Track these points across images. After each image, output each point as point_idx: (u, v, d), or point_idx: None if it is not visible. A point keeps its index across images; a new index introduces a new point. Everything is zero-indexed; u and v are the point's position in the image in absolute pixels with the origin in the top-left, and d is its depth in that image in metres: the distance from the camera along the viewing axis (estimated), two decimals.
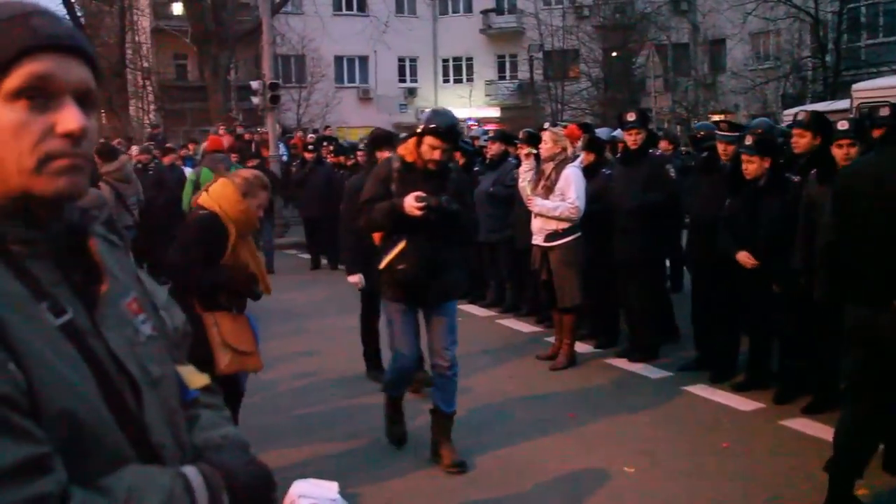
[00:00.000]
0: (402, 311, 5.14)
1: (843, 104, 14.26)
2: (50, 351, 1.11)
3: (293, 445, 5.47)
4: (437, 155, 4.85)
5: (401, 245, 4.90)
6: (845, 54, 26.75)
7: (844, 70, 25.92)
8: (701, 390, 6.50)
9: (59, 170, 1.18)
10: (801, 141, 6.17)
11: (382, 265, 5.00)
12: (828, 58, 26.77)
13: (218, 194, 4.41)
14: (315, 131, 21.20)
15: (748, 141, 6.14)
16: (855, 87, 14.27)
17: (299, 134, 20.78)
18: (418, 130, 4.97)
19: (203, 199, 4.44)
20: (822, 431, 5.37)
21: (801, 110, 9.57)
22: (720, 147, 6.77)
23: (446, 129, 4.87)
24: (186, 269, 4.33)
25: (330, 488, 3.91)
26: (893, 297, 3.79)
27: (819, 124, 6.19)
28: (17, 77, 1.16)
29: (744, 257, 6.05)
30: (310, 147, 13.80)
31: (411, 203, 4.72)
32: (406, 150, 5.02)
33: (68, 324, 1.15)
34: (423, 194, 4.74)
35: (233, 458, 1.34)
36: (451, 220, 4.86)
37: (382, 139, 7.10)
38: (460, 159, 9.81)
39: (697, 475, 4.91)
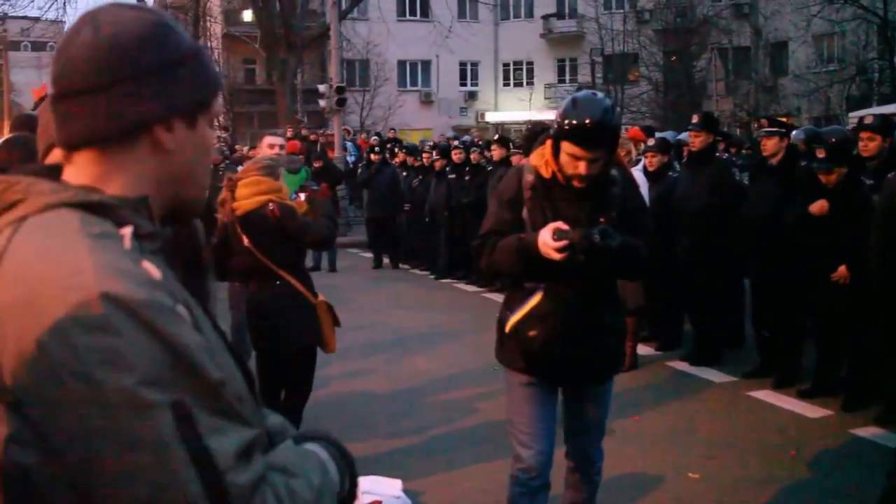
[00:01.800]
0: (533, 392, 3.51)
1: None
2: (217, 347, 1.13)
3: (358, 439, 5.43)
4: (581, 169, 3.19)
5: (535, 299, 3.36)
6: None
7: None
8: (766, 396, 6.31)
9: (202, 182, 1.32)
10: (871, 144, 5.94)
11: (508, 327, 3.47)
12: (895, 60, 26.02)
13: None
14: (378, 134, 21.29)
15: (820, 154, 5.94)
16: None
17: (363, 136, 20.92)
18: (551, 131, 3.32)
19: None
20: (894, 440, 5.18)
21: (868, 113, 9.27)
22: (763, 143, 6.57)
23: (591, 129, 3.14)
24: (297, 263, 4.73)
25: (393, 485, 3.86)
26: None
27: (887, 127, 5.96)
28: (216, 104, 1.29)
29: (843, 271, 5.80)
30: (375, 148, 13.84)
31: (547, 242, 3.08)
32: (539, 158, 3.38)
33: (204, 315, 1.17)
34: (564, 227, 3.11)
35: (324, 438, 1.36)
36: (612, 260, 3.22)
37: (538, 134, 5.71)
38: (520, 161, 9.77)
39: (767, 482, 4.74)
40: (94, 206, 1.11)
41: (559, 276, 3.26)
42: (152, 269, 1.06)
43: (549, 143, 3.32)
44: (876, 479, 4.61)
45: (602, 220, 3.23)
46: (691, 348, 7.42)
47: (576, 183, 3.25)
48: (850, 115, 18.03)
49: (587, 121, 3.12)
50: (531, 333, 3.36)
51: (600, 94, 3.41)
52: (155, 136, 1.17)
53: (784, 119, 10.72)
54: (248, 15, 26.64)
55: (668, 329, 7.87)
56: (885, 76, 26.64)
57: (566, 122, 3.16)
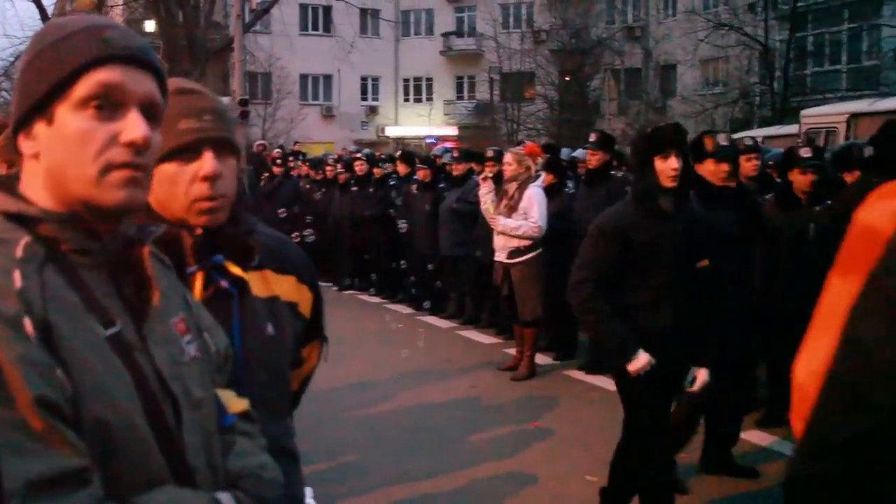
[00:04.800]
0: None
1: (791, 129, 14.48)
2: (95, 361, 1.08)
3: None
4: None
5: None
6: (792, 81, 27.25)
7: (791, 96, 26.40)
8: None
9: (119, 181, 1.16)
10: (747, 165, 6.17)
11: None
12: (775, 84, 27.27)
13: None
14: (281, 146, 21.08)
15: None
16: (804, 112, 14.48)
17: (262, 146, 20.66)
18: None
19: None
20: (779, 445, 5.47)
21: (747, 135, 9.74)
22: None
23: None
24: None
25: (305, 493, 3.85)
26: None
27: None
28: (86, 85, 1.15)
29: None
30: (277, 161, 13.72)
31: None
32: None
33: (116, 336, 1.13)
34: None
35: (270, 490, 1.32)
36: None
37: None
38: (426, 177, 9.89)
39: None
40: (13, 216, 1.13)
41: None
42: (18, 279, 1.06)
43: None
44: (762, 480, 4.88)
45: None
46: (587, 357, 7.61)
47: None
48: (735, 136, 18.78)
49: None
50: None
51: None
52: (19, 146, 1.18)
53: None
54: (150, 25, 25.99)
55: (565, 339, 8.06)
56: (765, 100, 27.87)
57: None
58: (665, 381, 3.66)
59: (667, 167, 3.60)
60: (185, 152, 1.60)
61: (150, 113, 1.20)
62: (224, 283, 1.67)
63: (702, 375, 3.72)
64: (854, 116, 12.01)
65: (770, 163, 7.38)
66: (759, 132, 17.32)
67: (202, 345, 1.33)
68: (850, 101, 17.48)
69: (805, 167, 5.44)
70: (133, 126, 1.16)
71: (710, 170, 4.68)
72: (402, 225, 10.39)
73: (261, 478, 1.34)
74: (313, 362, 2.07)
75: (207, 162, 1.61)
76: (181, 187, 1.61)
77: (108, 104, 1.16)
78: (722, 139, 4.86)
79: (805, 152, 5.53)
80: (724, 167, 4.69)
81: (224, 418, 1.35)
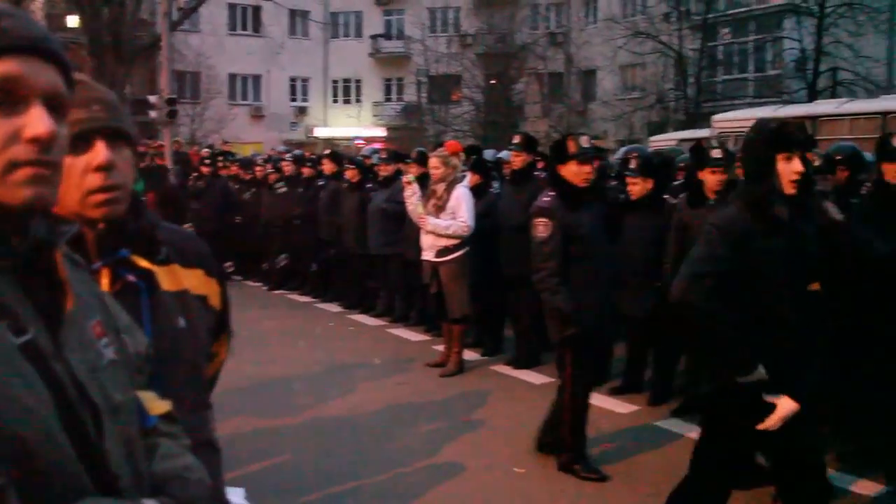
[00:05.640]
0: None
1: (703, 133, 14.86)
2: (7, 372, 1.00)
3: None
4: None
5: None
6: (704, 88, 28.00)
7: (703, 102, 27.11)
8: None
9: (24, 179, 1.06)
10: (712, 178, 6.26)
11: None
12: (689, 90, 27.95)
13: None
14: (210, 146, 20.73)
15: (633, 164, 6.34)
16: (715, 117, 14.91)
17: (195, 148, 20.32)
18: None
19: None
20: (694, 431, 5.60)
21: (666, 138, 9.96)
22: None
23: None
24: None
25: (235, 493, 3.80)
26: None
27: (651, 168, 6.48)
28: None
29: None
30: (206, 161, 13.48)
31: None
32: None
33: (28, 344, 1.04)
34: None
35: (197, 492, 1.27)
36: None
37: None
38: (354, 177, 9.85)
39: None
40: None
41: None
42: None
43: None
44: (671, 462, 4.99)
45: None
46: (513, 353, 7.69)
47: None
48: (651, 139, 19.18)
49: None
50: None
51: None
52: None
53: (594, 141, 11.31)
54: (73, 20, 25.15)
55: (492, 335, 8.13)
56: (680, 105, 28.56)
57: None
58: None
59: (790, 170, 3.13)
60: (76, 143, 1.50)
61: (55, 106, 1.10)
62: (132, 278, 1.62)
63: (787, 408, 3.09)
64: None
65: (681, 165, 7.56)
66: (673, 135, 17.75)
67: (120, 347, 1.25)
68: (756, 108, 18.03)
69: (715, 167, 5.59)
70: (36, 121, 1.06)
71: (573, 171, 4.83)
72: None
73: (187, 480, 1.29)
74: (223, 356, 2.04)
75: (100, 151, 1.54)
76: (74, 180, 1.53)
77: (8, 99, 1.06)
78: (584, 142, 4.96)
79: (716, 153, 5.68)
80: (587, 169, 4.86)
81: (146, 421, 1.29)
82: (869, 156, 6.11)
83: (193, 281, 1.78)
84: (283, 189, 11.48)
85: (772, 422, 3.07)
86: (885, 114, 12.04)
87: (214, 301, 1.86)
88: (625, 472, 5.01)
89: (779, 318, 3.14)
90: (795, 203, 3.17)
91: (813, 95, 24.93)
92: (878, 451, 4.98)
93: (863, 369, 4.76)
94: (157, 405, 1.34)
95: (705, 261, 3.16)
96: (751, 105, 22.47)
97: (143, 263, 1.64)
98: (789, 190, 3.14)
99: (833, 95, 24.12)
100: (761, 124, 3.33)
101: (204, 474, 1.34)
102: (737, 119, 13.75)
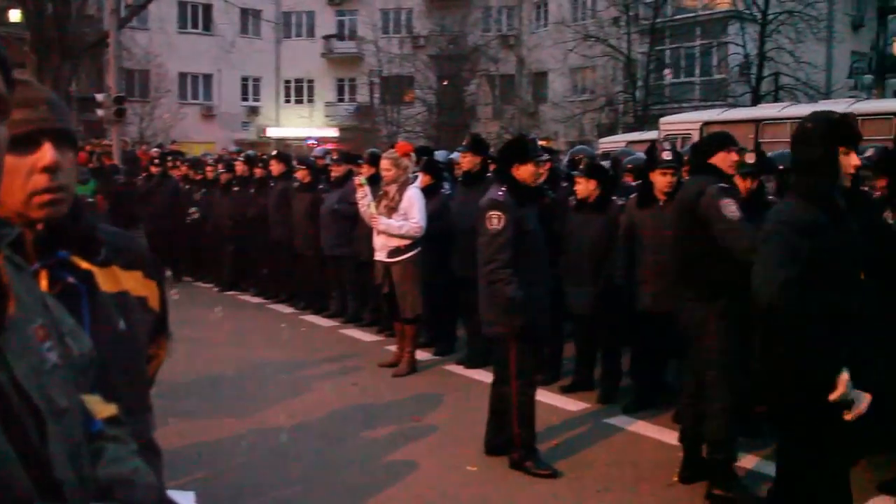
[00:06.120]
0: None
1: (651, 135, 15.07)
2: None
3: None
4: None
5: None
6: (652, 90, 28.40)
7: (651, 105, 27.50)
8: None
9: None
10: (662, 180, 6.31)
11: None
12: (637, 93, 28.31)
13: None
14: (160, 146, 20.43)
15: (581, 165, 6.41)
16: (662, 120, 15.12)
17: (143, 148, 20.02)
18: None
19: None
20: (642, 428, 5.69)
21: (615, 139, 10.08)
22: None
23: None
24: None
25: (186, 497, 3.76)
26: None
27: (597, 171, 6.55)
28: None
29: None
30: (155, 161, 13.27)
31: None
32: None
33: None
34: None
35: (145, 496, 1.26)
36: None
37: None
38: (305, 178, 9.78)
39: None
40: None
41: None
42: None
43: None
44: (622, 458, 5.07)
45: None
46: (466, 352, 7.71)
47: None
48: (600, 140, 19.39)
49: None
50: None
51: None
52: None
53: (544, 142, 11.40)
54: (15, 15, 24.52)
55: (445, 335, 8.15)
56: (629, 107, 28.92)
57: None
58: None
59: (849, 163, 3.17)
60: (22, 144, 1.47)
61: None
62: (71, 280, 1.60)
63: (865, 402, 3.05)
64: (706, 124, 12.59)
65: (629, 166, 7.65)
66: (622, 137, 17.97)
67: (64, 350, 1.21)
68: (702, 111, 18.34)
69: (665, 169, 5.67)
70: None
71: (530, 171, 4.98)
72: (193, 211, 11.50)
73: (134, 483, 1.28)
74: (161, 358, 2.01)
75: (47, 153, 1.51)
76: (19, 180, 1.50)
77: None
78: (539, 144, 5.17)
79: (666, 156, 5.76)
80: (541, 171, 5.13)
81: (91, 425, 1.26)
82: None
83: (133, 283, 1.77)
84: (237, 189, 11.37)
85: (852, 415, 3.03)
86: None
87: (153, 303, 1.85)
88: (576, 469, 5.05)
89: (847, 312, 3.12)
90: (848, 196, 3.21)
91: (756, 99, 25.45)
92: None
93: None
94: (102, 409, 1.31)
95: (788, 262, 3.02)
96: (697, 108, 22.85)
97: (84, 265, 1.62)
98: (846, 183, 3.20)
99: (776, 99, 24.66)
100: (820, 117, 3.26)
101: (152, 478, 1.33)
102: (683, 122, 13.97)
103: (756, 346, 3.43)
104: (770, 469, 4.44)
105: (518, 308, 4.81)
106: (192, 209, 12.16)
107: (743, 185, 5.18)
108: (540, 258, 5.07)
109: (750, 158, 5.40)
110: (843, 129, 3.18)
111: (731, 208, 4.25)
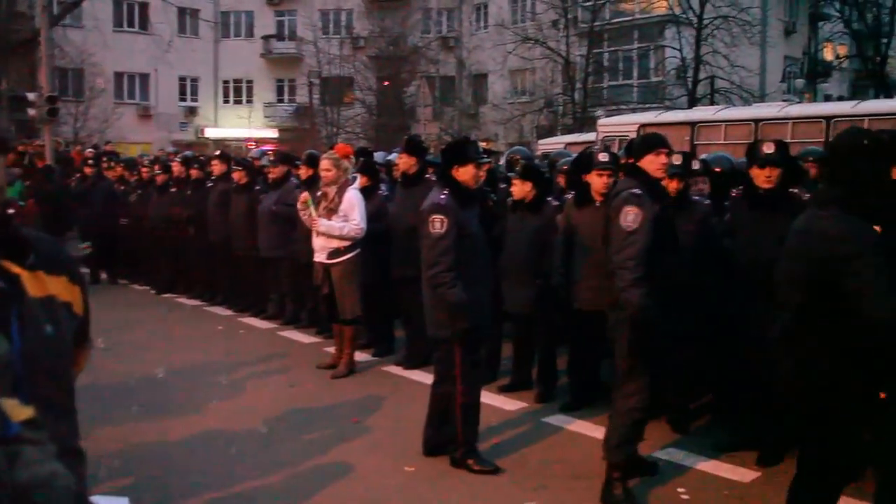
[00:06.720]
0: None
1: (590, 136, 15.25)
2: None
3: None
4: None
5: None
6: (591, 93, 28.76)
7: (590, 106, 27.84)
8: None
9: None
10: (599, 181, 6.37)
11: None
12: (576, 95, 28.63)
13: None
14: (95, 147, 19.99)
15: (517, 167, 6.45)
16: (600, 121, 15.31)
17: (77, 148, 19.58)
18: None
19: None
20: (580, 426, 5.75)
21: (554, 141, 10.18)
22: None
23: None
24: None
25: (120, 502, 3.69)
26: None
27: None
28: None
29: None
30: (90, 162, 12.99)
31: None
32: None
33: None
34: None
35: (63, 499, 1.23)
36: None
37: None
38: (242, 179, 9.66)
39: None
40: None
41: None
42: None
43: None
44: (559, 456, 5.12)
45: None
46: (404, 353, 7.70)
47: None
48: (539, 142, 19.57)
49: None
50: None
51: None
52: None
53: (485, 144, 11.49)
54: None
55: (383, 336, 8.13)
56: (567, 109, 29.23)
57: None
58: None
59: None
60: None
61: None
62: (0, 284, 1.57)
63: None
64: (643, 126, 12.79)
65: (564, 167, 7.72)
66: (561, 139, 18.15)
67: None
68: (640, 113, 18.64)
69: (602, 170, 5.74)
70: None
71: (471, 173, 5.00)
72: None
73: (52, 487, 1.25)
74: (83, 364, 1.98)
75: None
76: None
77: None
78: (480, 146, 5.21)
79: (602, 157, 5.83)
80: (481, 173, 5.12)
81: (8, 428, 1.24)
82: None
83: (58, 287, 1.73)
84: (174, 190, 11.18)
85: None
86: (756, 121, 12.61)
87: (78, 308, 1.81)
88: (514, 467, 5.08)
89: None
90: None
91: (693, 102, 25.95)
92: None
93: None
94: (19, 411, 1.29)
95: (887, 276, 3.14)
96: (634, 110, 23.22)
97: (15, 268, 1.58)
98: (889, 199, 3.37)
99: (711, 102, 25.16)
100: (873, 136, 3.38)
101: (70, 481, 1.30)
102: (621, 123, 14.18)
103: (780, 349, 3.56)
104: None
105: (463, 311, 4.84)
106: (123, 220, 12.00)
107: (670, 185, 5.27)
108: (482, 260, 5.10)
109: (676, 160, 5.51)
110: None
111: (629, 217, 4.27)
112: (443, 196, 4.91)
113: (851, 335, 3.23)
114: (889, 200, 3.31)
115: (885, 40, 30.41)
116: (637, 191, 4.33)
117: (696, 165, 6.12)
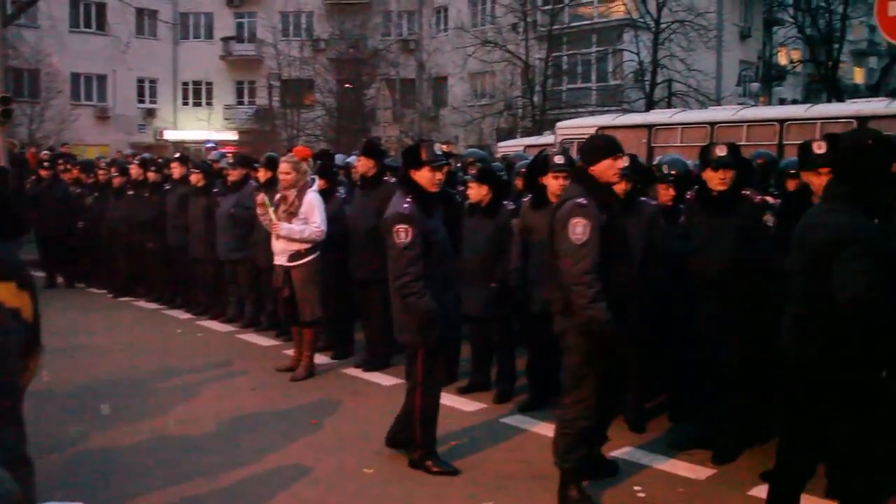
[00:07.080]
0: None
1: (548, 139, 15.32)
2: None
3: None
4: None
5: None
6: (550, 96, 28.95)
7: (549, 109, 28.02)
8: None
9: None
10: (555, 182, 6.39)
11: None
12: (535, 98, 28.79)
13: None
14: (51, 148, 19.64)
15: (472, 170, 6.47)
16: (558, 124, 15.37)
17: (33, 150, 19.23)
18: None
19: None
20: (538, 427, 5.79)
21: (514, 143, 10.22)
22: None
23: None
24: None
25: None
26: None
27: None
28: None
29: None
30: (45, 163, 12.77)
31: None
32: None
33: None
34: None
35: None
36: None
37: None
38: (199, 181, 9.56)
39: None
40: None
41: None
42: None
43: None
44: (517, 456, 5.15)
45: None
46: (364, 356, 7.69)
47: None
48: (499, 144, 19.63)
49: None
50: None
51: None
52: None
53: (445, 146, 11.48)
54: None
55: (342, 338, 8.11)
56: (527, 112, 29.38)
57: None
58: None
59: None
60: None
61: None
62: None
63: None
64: (601, 129, 12.88)
65: (522, 170, 7.75)
66: (520, 141, 18.23)
67: None
68: (598, 116, 18.78)
69: (558, 172, 5.77)
70: None
71: (427, 177, 4.96)
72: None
73: None
74: (33, 371, 1.96)
75: None
76: None
77: None
78: (437, 148, 5.13)
79: (558, 160, 5.86)
80: (439, 176, 5.03)
81: None
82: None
83: (6, 293, 1.71)
84: (131, 192, 11.03)
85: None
86: (712, 124, 12.76)
87: (27, 314, 1.79)
88: (472, 467, 5.10)
89: None
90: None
91: (650, 105, 26.23)
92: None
93: None
94: None
95: (873, 269, 3.30)
96: (593, 113, 23.39)
97: None
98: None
99: (669, 105, 25.45)
100: (879, 136, 3.59)
101: (14, 487, 1.29)
102: (579, 126, 14.26)
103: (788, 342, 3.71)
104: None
105: (433, 319, 4.83)
106: (80, 223, 11.84)
107: (618, 187, 5.31)
108: (449, 265, 5.09)
109: (623, 161, 5.57)
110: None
111: (577, 230, 4.20)
112: (406, 205, 4.85)
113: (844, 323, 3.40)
114: (890, 193, 3.55)
115: (836, 46, 31.10)
116: (582, 200, 4.25)
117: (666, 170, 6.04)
